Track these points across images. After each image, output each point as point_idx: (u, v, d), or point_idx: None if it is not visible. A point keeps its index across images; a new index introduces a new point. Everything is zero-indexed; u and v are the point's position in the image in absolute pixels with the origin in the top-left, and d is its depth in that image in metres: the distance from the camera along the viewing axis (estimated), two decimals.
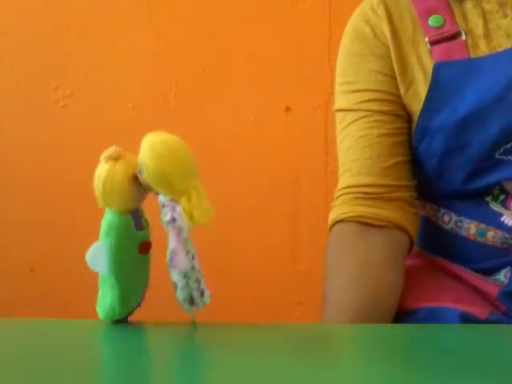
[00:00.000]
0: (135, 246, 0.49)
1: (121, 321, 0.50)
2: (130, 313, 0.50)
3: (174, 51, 1.47)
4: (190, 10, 1.46)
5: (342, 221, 0.75)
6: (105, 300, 0.49)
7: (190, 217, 0.46)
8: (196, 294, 0.48)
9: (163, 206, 0.47)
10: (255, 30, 1.44)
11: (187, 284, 0.48)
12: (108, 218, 0.48)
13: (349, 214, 0.74)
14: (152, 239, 0.50)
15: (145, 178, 0.46)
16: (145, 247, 0.49)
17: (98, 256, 0.48)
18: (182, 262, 0.47)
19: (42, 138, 1.49)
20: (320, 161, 1.43)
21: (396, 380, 0.37)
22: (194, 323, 0.50)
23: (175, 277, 0.48)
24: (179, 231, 0.47)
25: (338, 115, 0.80)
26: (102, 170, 0.47)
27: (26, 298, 1.47)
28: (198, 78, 1.46)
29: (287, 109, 1.44)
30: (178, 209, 0.46)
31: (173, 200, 0.47)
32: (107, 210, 0.48)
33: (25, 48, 1.49)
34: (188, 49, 1.46)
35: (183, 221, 0.46)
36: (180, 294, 0.48)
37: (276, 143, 1.44)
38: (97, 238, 0.51)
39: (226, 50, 1.45)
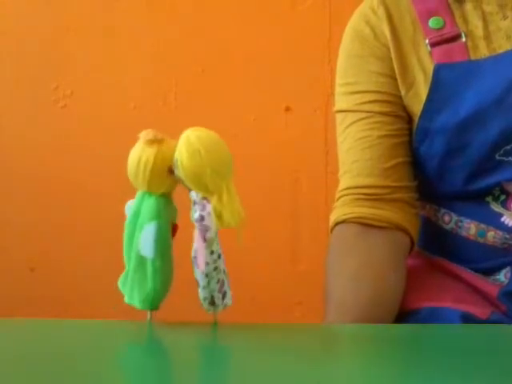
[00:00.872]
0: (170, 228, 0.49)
1: (157, 308, 0.49)
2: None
3: (173, 51, 1.46)
4: (190, 10, 1.46)
5: (342, 222, 0.75)
6: (144, 286, 0.48)
7: (219, 217, 0.46)
8: (217, 295, 0.48)
9: (194, 203, 0.47)
10: (255, 30, 1.44)
11: (208, 284, 0.47)
12: (151, 201, 0.48)
13: (350, 215, 0.74)
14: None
15: (179, 173, 0.46)
16: (174, 229, 0.49)
17: (146, 239, 0.47)
18: (202, 262, 0.46)
19: (42, 138, 1.49)
20: (320, 161, 1.43)
21: (396, 380, 0.37)
22: (215, 324, 0.50)
23: (198, 275, 0.47)
24: (205, 230, 0.46)
25: (339, 116, 0.80)
26: (143, 152, 0.46)
27: (26, 298, 1.47)
28: (198, 78, 1.46)
29: (287, 109, 1.44)
30: (208, 208, 0.46)
31: (204, 198, 0.46)
32: (144, 193, 0.48)
33: (25, 48, 1.49)
34: (188, 49, 1.46)
35: (211, 220, 0.46)
36: (201, 293, 0.48)
37: (276, 143, 1.44)
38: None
39: (226, 50, 1.45)
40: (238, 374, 0.38)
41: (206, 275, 0.47)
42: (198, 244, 0.47)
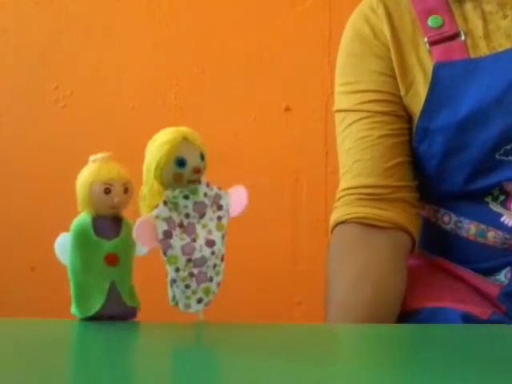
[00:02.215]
0: (99, 253, 0.48)
1: (85, 319, 0.49)
2: (94, 317, 0.49)
3: (174, 51, 1.46)
4: (189, 10, 1.46)
5: (343, 222, 0.75)
6: None
7: None
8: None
9: (216, 195, 0.50)
10: (255, 30, 1.44)
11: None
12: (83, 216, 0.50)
13: (351, 216, 0.74)
14: None
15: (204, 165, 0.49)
16: (111, 259, 0.48)
17: (64, 247, 0.49)
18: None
19: (42, 138, 1.49)
20: (320, 161, 1.43)
21: (397, 380, 0.37)
22: (201, 323, 0.50)
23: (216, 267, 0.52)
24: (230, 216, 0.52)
25: (338, 116, 0.80)
26: (85, 170, 0.51)
27: (26, 298, 1.47)
28: (198, 78, 1.45)
29: (287, 109, 1.44)
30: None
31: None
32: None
33: (25, 48, 1.49)
34: (188, 49, 1.46)
35: None
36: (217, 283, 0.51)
37: (276, 143, 1.44)
38: None
39: (226, 50, 1.45)
40: (237, 375, 0.38)
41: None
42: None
